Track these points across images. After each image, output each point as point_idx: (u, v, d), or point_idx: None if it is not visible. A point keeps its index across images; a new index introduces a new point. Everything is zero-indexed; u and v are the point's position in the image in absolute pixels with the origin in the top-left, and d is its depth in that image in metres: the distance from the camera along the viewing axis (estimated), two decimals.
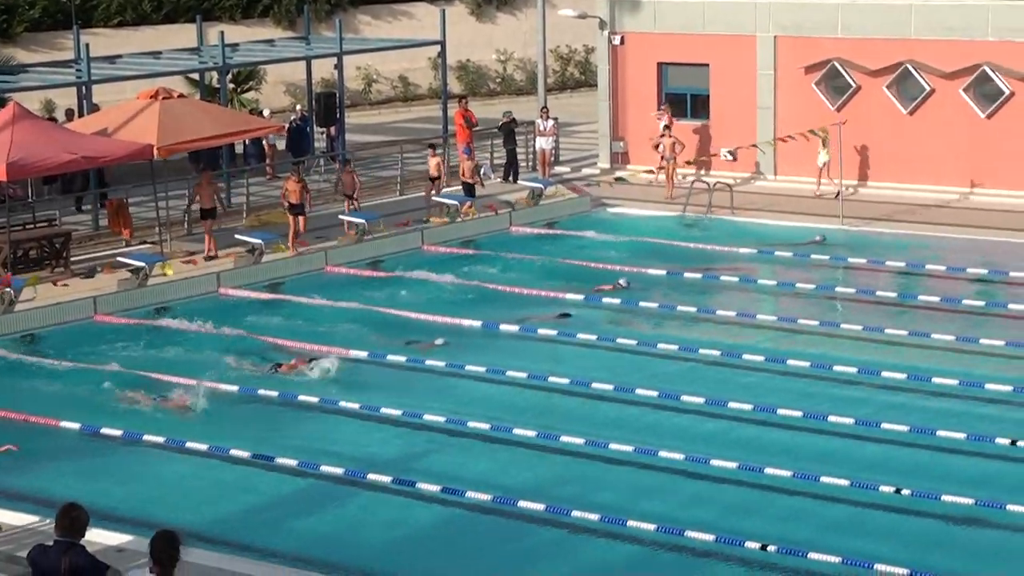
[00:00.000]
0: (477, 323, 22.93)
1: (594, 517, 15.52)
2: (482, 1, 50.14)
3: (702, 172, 32.72)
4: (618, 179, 31.09)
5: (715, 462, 16.93)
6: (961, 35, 31.34)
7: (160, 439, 18.11)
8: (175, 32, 42.41)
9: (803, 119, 32.07)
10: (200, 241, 28.01)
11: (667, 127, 32.89)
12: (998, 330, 22.00)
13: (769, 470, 16.61)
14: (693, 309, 23.63)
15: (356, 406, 19.23)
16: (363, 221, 28.62)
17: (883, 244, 27.81)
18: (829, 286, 25.07)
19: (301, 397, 19.60)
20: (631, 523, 15.28)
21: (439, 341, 21.95)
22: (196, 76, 36.65)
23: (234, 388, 19.96)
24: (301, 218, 27.89)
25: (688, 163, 32.58)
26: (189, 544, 10.31)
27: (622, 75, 35.31)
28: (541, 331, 22.55)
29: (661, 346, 21.62)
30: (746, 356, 20.92)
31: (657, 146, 32.77)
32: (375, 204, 31.63)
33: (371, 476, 16.82)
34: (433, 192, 30.72)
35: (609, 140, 35.56)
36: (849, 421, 18.15)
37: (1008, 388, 19.14)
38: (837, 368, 20.31)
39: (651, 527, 15.21)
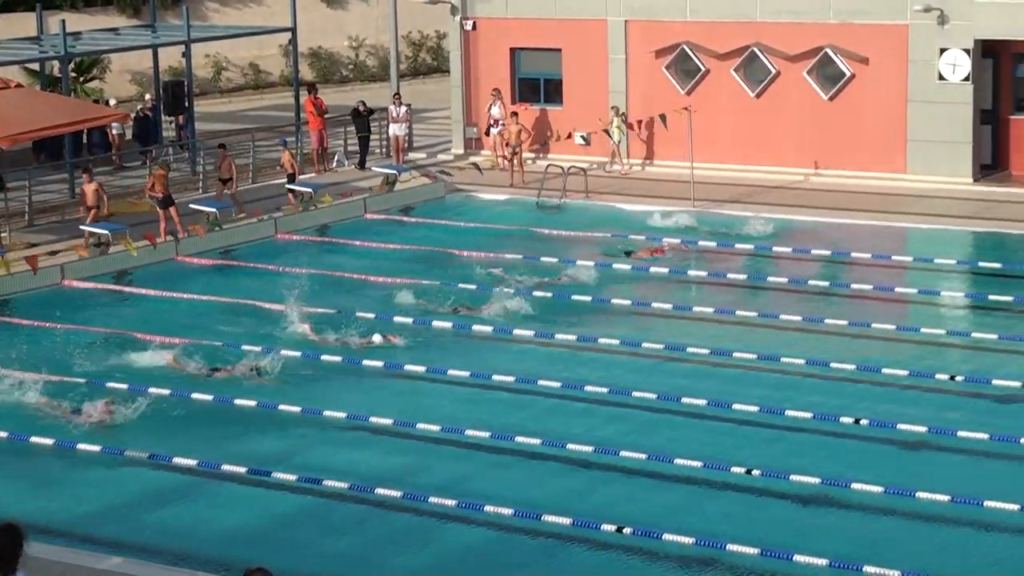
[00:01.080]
0: (331, 311, 22.77)
1: (451, 503, 15.55)
2: None
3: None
4: (472, 164, 31.12)
5: (571, 445, 17.05)
6: (805, 18, 31.90)
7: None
8: (14, 21, 41.25)
9: (655, 103, 32.41)
10: (40, 233, 27.43)
11: (513, 114, 33.10)
12: (842, 310, 22.47)
13: (624, 452, 16.78)
14: (549, 295, 23.74)
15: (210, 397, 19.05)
16: (214, 210, 28.25)
17: (733, 226, 28.24)
18: (682, 270, 25.36)
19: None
20: (489, 508, 15.33)
21: (376, 339, 21.38)
22: (36, 66, 35.76)
23: None
24: (172, 208, 27.28)
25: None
26: (40, 539, 10.03)
27: (475, 61, 35.31)
28: (397, 318, 22.47)
29: (517, 332, 21.69)
30: (602, 340, 21.08)
31: (500, 133, 32.99)
32: (226, 193, 31.17)
33: (226, 467, 16.66)
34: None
35: (463, 126, 35.55)
36: (702, 402, 18.40)
37: (852, 367, 19.57)
38: (690, 350, 20.58)
39: (508, 511, 15.27)
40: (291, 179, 30.79)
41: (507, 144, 32.82)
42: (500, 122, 33.53)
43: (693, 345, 20.70)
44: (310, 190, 30.18)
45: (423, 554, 14.78)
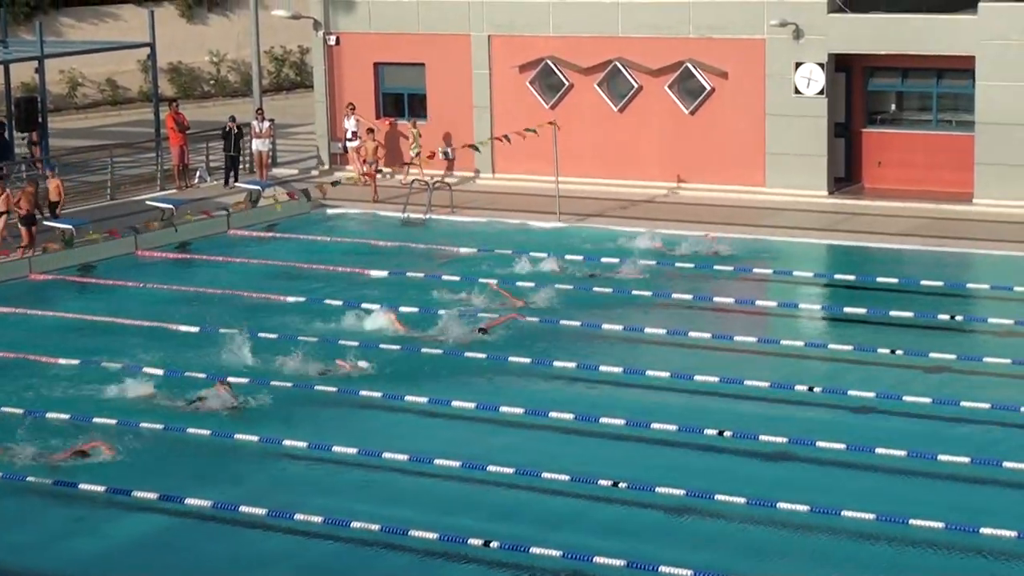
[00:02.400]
0: (194, 328, 22.47)
1: (317, 519, 15.43)
2: (192, 2, 49.10)
3: (407, 173, 32.91)
4: (334, 183, 30.94)
5: (438, 461, 17.03)
6: (665, 33, 32.32)
7: None
8: None
9: (519, 117, 32.55)
10: None
11: (370, 130, 33.06)
12: (705, 323, 22.76)
13: (491, 467, 16.80)
14: (415, 309, 23.68)
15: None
16: (70, 227, 27.70)
17: (598, 239, 28.48)
18: (550, 282, 25.45)
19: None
20: (355, 524, 15.24)
21: (363, 364, 20.67)
22: None
23: None
24: (34, 228, 26.65)
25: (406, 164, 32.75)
26: None
27: (339, 75, 35.14)
28: (261, 334, 22.26)
29: (384, 346, 21.61)
30: (468, 354, 21.08)
31: (357, 149, 32.93)
32: (84, 210, 30.66)
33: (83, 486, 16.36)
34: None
35: (327, 141, 35.36)
36: (569, 416, 18.51)
37: (715, 379, 19.84)
38: (557, 364, 20.68)
39: (375, 527, 15.20)
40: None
41: (363, 161, 32.75)
42: (356, 136, 33.44)
43: (561, 359, 20.80)
44: (171, 206, 29.78)
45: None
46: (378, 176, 32.69)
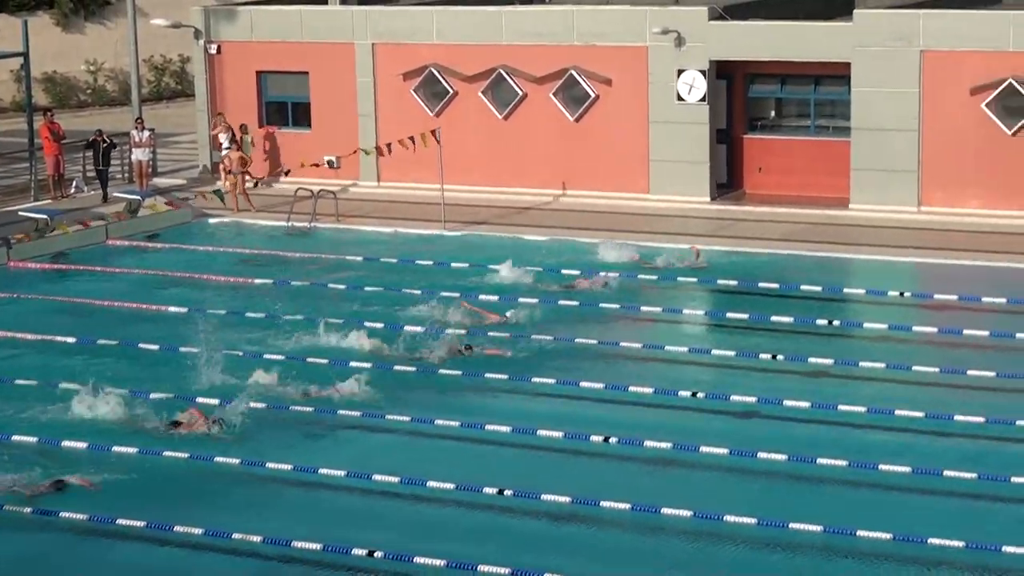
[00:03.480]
0: (71, 339, 22.07)
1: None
2: (69, 11, 48.26)
3: (280, 174, 32.63)
4: (215, 192, 30.60)
5: (323, 470, 16.89)
6: (549, 40, 32.45)
7: None
8: None
9: (404, 125, 32.46)
10: None
11: (233, 140, 32.70)
12: (593, 330, 22.83)
13: (377, 476, 16.71)
14: (300, 317, 23.49)
15: None
16: None
17: (486, 247, 28.51)
18: (434, 290, 25.39)
19: None
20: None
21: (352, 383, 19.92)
22: None
23: None
24: None
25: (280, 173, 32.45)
26: None
27: (220, 84, 34.77)
28: (142, 345, 21.93)
29: (268, 356, 21.39)
30: (353, 363, 20.94)
31: (223, 160, 32.57)
32: None
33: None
34: None
35: (209, 150, 34.95)
36: (455, 424, 18.47)
37: (600, 386, 19.93)
38: (442, 372, 20.62)
39: (258, 539, 15.04)
40: None
41: (228, 171, 32.26)
42: (229, 146, 32.92)
43: (446, 368, 20.76)
44: (45, 216, 29.23)
45: None
46: (249, 186, 32.26)
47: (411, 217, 30.84)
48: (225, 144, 33.03)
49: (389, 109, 33.67)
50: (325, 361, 21.08)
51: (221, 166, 32.93)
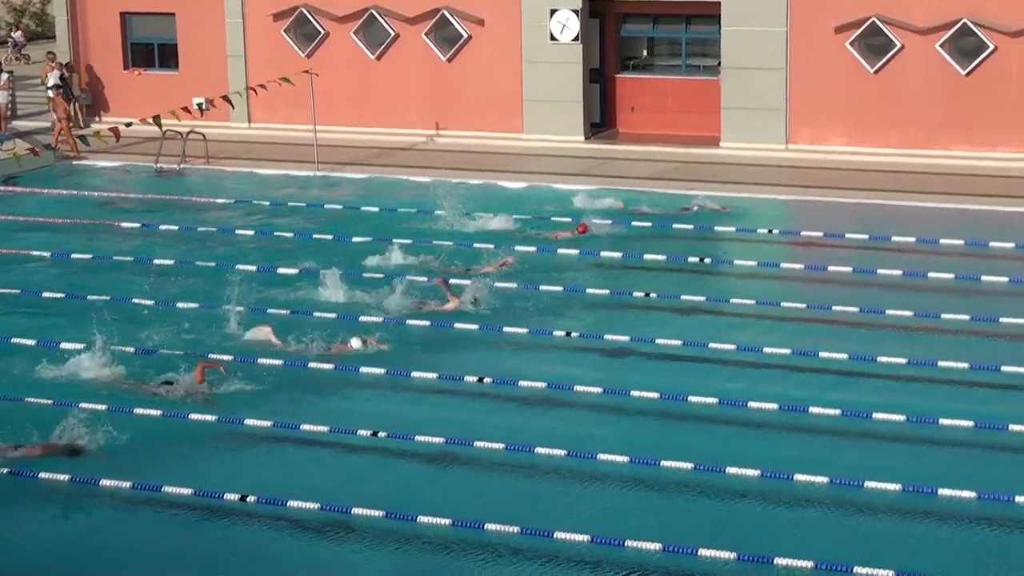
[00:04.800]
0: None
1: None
2: None
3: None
4: (81, 138, 29.97)
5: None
6: None
7: None
8: None
9: (275, 66, 32.07)
10: None
11: (58, 86, 31.80)
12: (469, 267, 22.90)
13: (248, 420, 16.62)
14: (171, 262, 23.20)
15: None
16: None
17: (359, 186, 28.36)
18: (308, 232, 25.21)
19: None
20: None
21: (355, 343, 19.09)
22: None
23: None
24: None
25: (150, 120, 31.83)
26: None
27: (83, 26, 33.99)
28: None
29: (136, 300, 21.10)
30: (225, 307, 20.71)
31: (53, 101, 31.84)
32: None
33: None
34: None
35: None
36: (328, 367, 18.44)
37: (475, 327, 20.00)
38: (317, 313, 20.50)
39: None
40: None
41: (59, 115, 31.36)
42: (59, 89, 32.01)
43: (319, 310, 20.68)
44: None
45: None
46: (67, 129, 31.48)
47: (283, 158, 30.56)
48: (51, 83, 32.08)
49: (259, 50, 33.24)
50: (196, 305, 20.86)
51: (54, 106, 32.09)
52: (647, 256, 23.32)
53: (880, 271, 22.34)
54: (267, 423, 16.64)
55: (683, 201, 26.56)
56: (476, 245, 23.96)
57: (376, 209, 26.86)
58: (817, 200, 26.76)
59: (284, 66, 31.81)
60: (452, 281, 21.25)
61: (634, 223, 25.26)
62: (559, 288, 21.92)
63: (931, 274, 22.08)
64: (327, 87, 31.90)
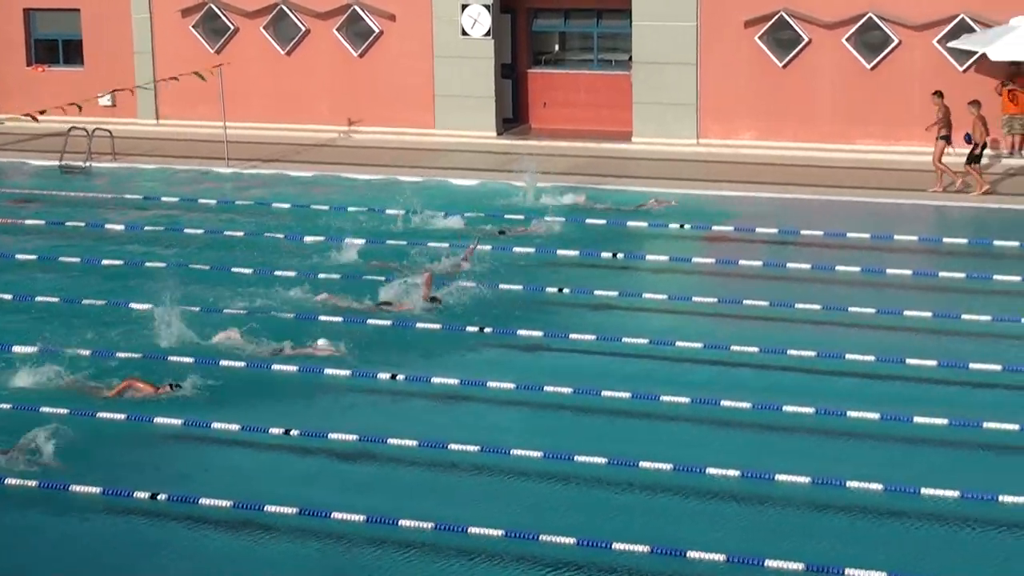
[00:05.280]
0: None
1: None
2: None
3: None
4: None
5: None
6: None
7: None
8: None
9: (183, 62, 31.73)
10: None
11: None
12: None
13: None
14: (77, 260, 22.88)
15: None
16: None
17: (270, 183, 28.17)
18: (219, 229, 25.00)
19: None
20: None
21: (321, 344, 18.76)
22: None
23: None
24: None
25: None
26: None
27: None
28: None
29: (39, 299, 20.81)
30: (134, 305, 20.50)
31: None
32: None
33: None
34: None
35: None
36: (240, 365, 18.30)
37: (388, 323, 19.95)
38: (228, 311, 20.31)
39: None
40: None
41: None
42: None
43: (232, 308, 20.52)
44: None
45: None
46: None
47: (192, 155, 30.26)
48: None
49: (167, 46, 32.88)
50: (103, 302, 20.60)
51: None
52: (560, 252, 23.36)
53: (790, 265, 22.56)
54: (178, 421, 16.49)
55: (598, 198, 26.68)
56: (389, 242, 23.89)
57: (288, 206, 26.69)
58: (728, 195, 26.91)
59: (193, 62, 31.48)
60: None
61: (547, 218, 25.28)
62: (471, 284, 21.86)
63: (839, 267, 22.34)
64: (237, 83, 31.61)
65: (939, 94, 27.00)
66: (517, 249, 23.59)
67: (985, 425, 16.08)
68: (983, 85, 28.70)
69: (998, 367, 17.84)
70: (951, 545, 13.72)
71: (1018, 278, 21.73)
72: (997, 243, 23.69)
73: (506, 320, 20.08)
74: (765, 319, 20.18)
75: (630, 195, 27.03)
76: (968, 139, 26.54)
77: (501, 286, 21.64)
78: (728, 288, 21.53)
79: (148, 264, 22.48)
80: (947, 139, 26.68)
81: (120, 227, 25.09)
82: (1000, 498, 14.34)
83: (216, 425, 16.38)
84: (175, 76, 30.13)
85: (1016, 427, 15.98)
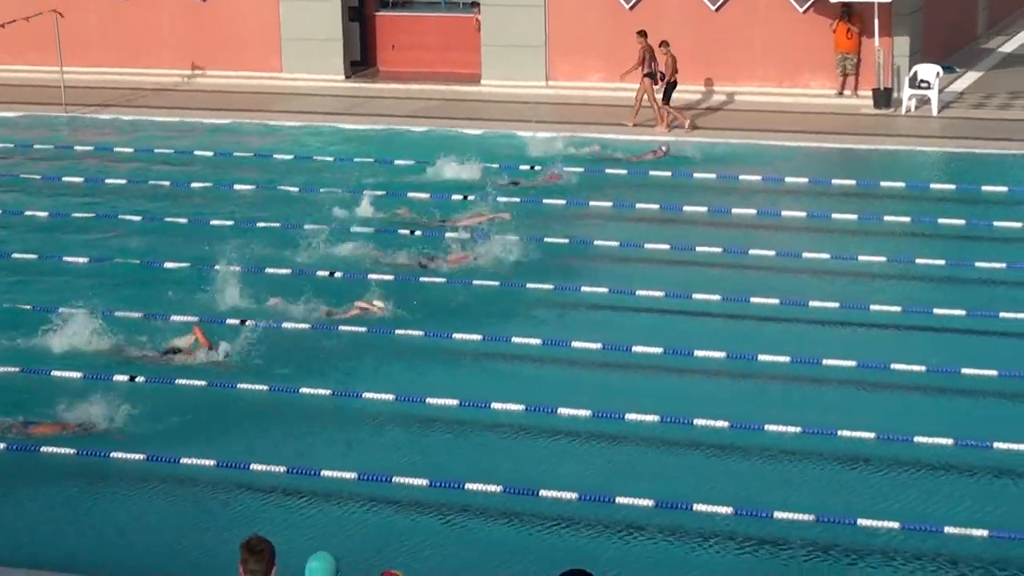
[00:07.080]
0: None
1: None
2: None
3: None
4: None
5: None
6: None
7: None
8: None
9: (17, 6, 30.68)
10: None
11: None
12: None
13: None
14: None
15: None
16: None
17: (114, 128, 27.62)
18: (55, 175, 24.43)
19: None
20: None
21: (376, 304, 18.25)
22: None
23: None
24: None
25: None
26: None
27: None
28: None
29: None
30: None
31: None
32: None
33: None
34: None
35: None
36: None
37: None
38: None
39: None
40: None
41: None
42: None
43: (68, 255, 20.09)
44: None
45: None
46: None
47: (26, 100, 29.52)
48: None
49: None
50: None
51: None
52: (411, 195, 23.25)
53: (639, 205, 22.76)
54: None
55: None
56: (237, 187, 23.56)
57: (131, 150, 26.17)
58: (577, 136, 26.80)
59: (24, 6, 30.47)
60: None
61: (396, 161, 25.08)
62: (324, 226, 21.57)
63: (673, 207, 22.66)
64: (75, 27, 30.71)
65: (642, 34, 27.57)
66: (368, 192, 23.39)
67: (825, 362, 16.48)
68: (822, 24, 29.17)
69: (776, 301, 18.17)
70: (793, 481, 14.09)
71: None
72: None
73: (354, 265, 19.94)
74: (617, 260, 20.35)
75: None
76: (662, 77, 27.24)
77: (353, 228, 21.46)
78: (579, 229, 21.67)
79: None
80: (651, 76, 27.26)
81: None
82: (839, 432, 14.76)
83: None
84: (3, 24, 29.11)
85: (854, 363, 16.39)
